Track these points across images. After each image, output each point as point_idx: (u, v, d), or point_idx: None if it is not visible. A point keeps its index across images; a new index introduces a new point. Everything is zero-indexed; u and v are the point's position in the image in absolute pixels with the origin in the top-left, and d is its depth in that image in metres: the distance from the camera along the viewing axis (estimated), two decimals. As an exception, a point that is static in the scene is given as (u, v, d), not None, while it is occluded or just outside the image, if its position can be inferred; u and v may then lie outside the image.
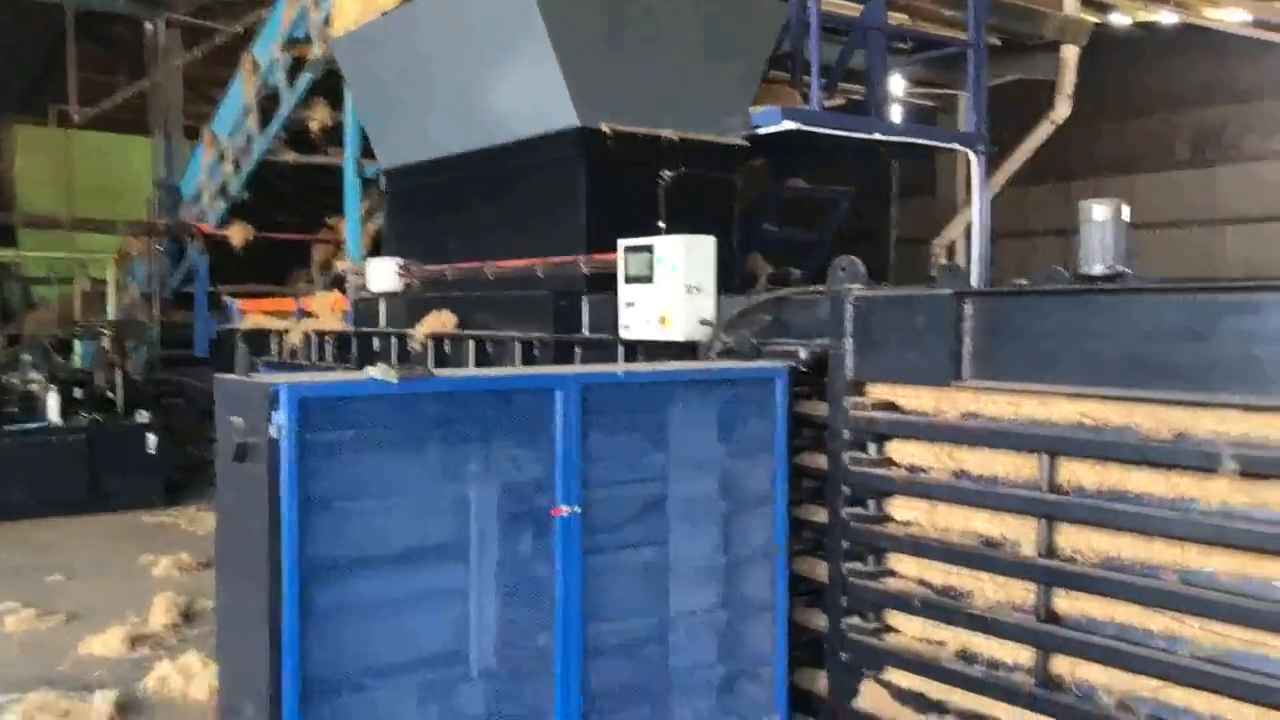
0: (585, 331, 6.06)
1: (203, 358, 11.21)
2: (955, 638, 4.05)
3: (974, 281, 8.05)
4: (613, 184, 6.30)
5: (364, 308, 8.06)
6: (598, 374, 4.16)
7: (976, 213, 8.85)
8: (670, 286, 5.26)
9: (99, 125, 15.66)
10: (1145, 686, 3.46)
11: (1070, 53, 11.29)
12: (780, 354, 4.71)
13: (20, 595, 7.02)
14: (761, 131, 7.16)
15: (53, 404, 9.97)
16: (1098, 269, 3.94)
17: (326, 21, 8.82)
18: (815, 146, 8.14)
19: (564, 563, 3.89)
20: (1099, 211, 4.02)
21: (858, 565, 4.35)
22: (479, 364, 6.58)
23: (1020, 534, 3.81)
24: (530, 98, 6.43)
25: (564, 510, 3.87)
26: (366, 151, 8.94)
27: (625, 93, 6.32)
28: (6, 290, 13.29)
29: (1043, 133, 11.70)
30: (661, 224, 6.15)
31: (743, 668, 4.49)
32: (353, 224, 9.27)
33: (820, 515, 4.54)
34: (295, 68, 9.89)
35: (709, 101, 6.77)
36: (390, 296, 7.74)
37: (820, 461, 4.53)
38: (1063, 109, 11.37)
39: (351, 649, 3.50)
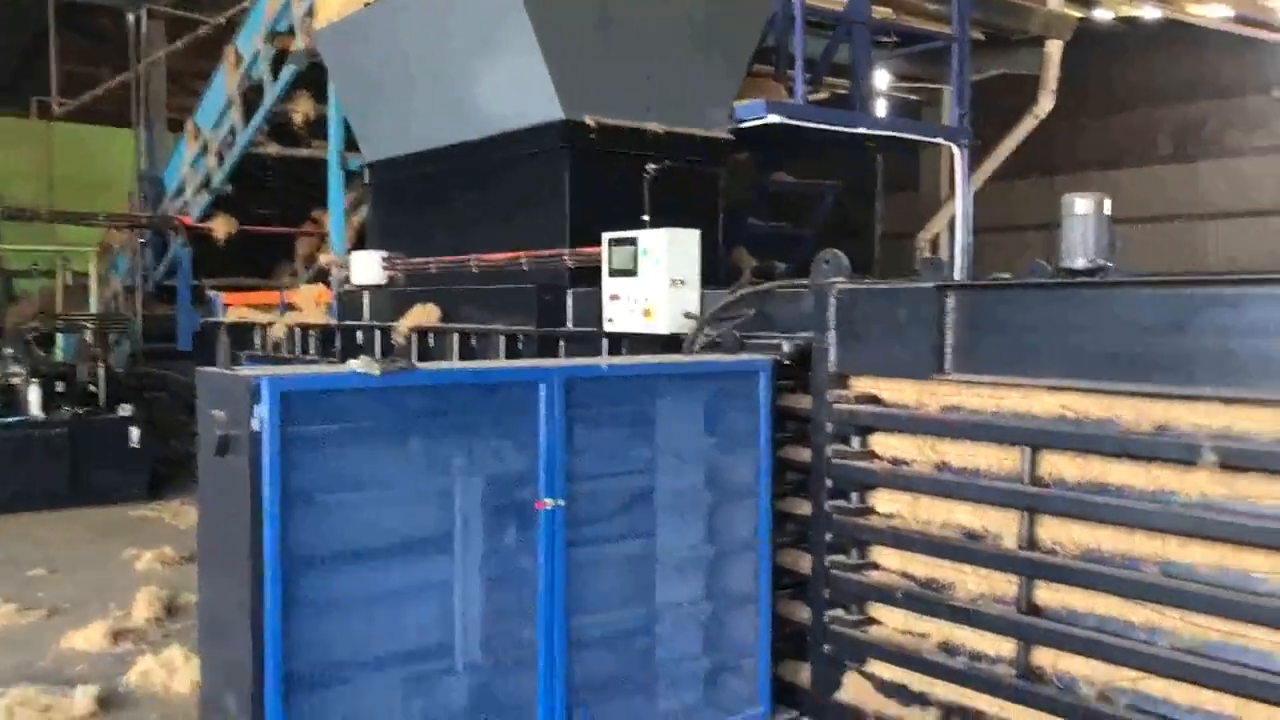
0: (569, 325, 6.06)
1: (186, 351, 11.16)
2: (938, 630, 4.06)
3: (957, 275, 8.08)
4: (597, 177, 6.29)
5: (348, 301, 8.03)
6: (581, 367, 4.16)
7: (959, 207, 8.88)
8: (654, 280, 5.26)
9: (81, 117, 15.57)
10: (1125, 677, 3.48)
11: (1054, 47, 11.34)
12: (764, 347, 4.72)
13: (1, 590, 6.98)
14: (746, 125, 7.16)
15: (34, 398, 9.90)
16: (1080, 263, 3.95)
17: (309, 13, 8.78)
18: (800, 140, 8.16)
19: (548, 556, 3.89)
20: (1081, 205, 4.03)
21: (841, 558, 4.36)
22: (463, 357, 6.57)
23: (1002, 526, 3.83)
24: (514, 90, 6.41)
25: (548, 503, 3.87)
26: (350, 144, 8.90)
27: (610, 86, 6.31)
28: (-12, 283, 13.19)
29: (1026, 127, 11.74)
30: (646, 217, 6.15)
31: (726, 660, 4.51)
32: (336, 217, 9.24)
33: (804, 508, 4.55)
34: (279, 60, 9.84)
35: (694, 95, 6.77)
36: (374, 290, 7.72)
37: (804, 454, 4.54)
38: (1046, 103, 11.42)
39: (335, 642, 3.50)
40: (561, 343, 6.00)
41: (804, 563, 4.54)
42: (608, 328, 5.56)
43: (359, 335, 7.70)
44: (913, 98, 14.10)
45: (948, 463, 4.02)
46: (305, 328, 8.58)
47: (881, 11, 10.01)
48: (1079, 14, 11.87)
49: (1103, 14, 12.78)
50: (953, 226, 9.44)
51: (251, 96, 10.49)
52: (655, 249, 5.29)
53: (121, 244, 12.87)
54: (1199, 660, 3.26)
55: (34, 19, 15.31)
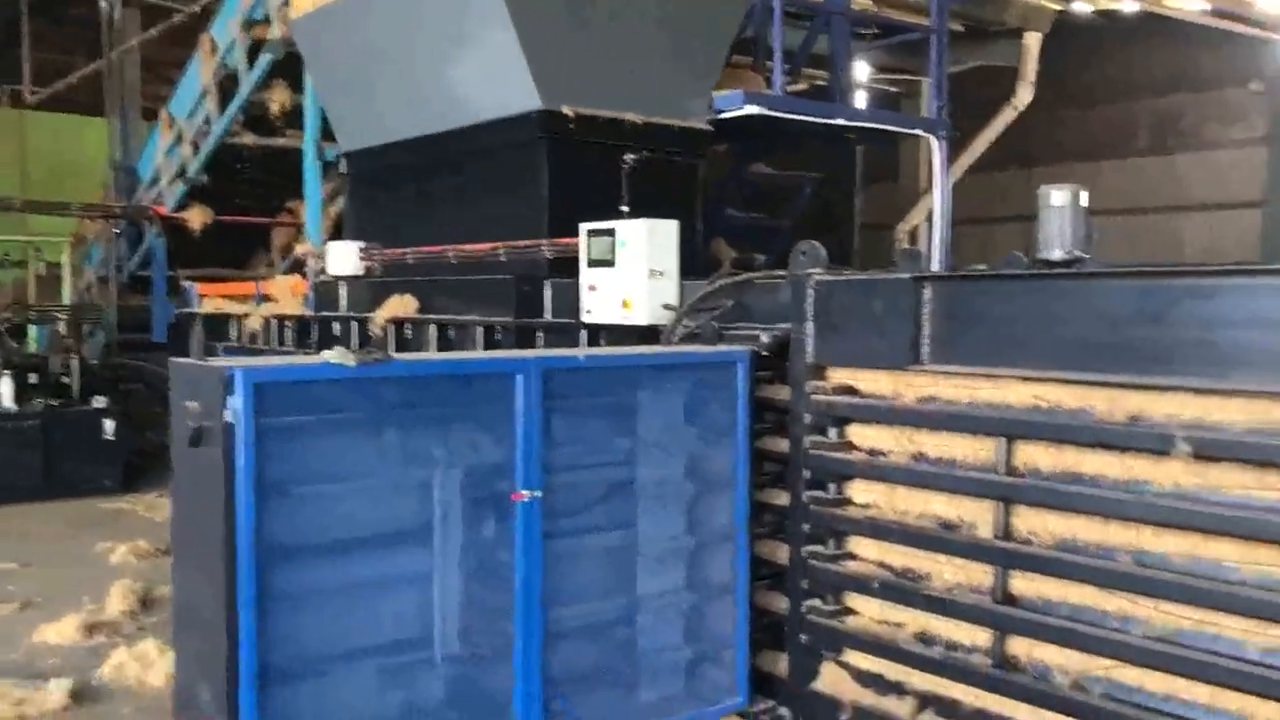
0: (548, 316, 6.04)
1: (161, 343, 11.07)
2: (914, 619, 4.08)
3: (935, 266, 8.10)
4: (575, 167, 6.28)
5: (324, 292, 7.99)
6: (559, 358, 4.15)
7: (938, 198, 8.91)
8: (633, 271, 5.25)
9: (54, 106, 15.40)
10: (1099, 666, 3.50)
11: (1032, 39, 11.39)
12: (742, 338, 4.72)
13: (-27, 583, 6.92)
14: (725, 116, 7.16)
15: (6, 389, 9.81)
16: (1056, 254, 3.96)
17: (286, 2, 8.70)
18: (779, 132, 8.16)
19: (525, 547, 3.88)
20: (1058, 197, 4.04)
21: (818, 548, 4.37)
22: (441, 348, 6.54)
23: (977, 516, 3.84)
24: (492, 80, 6.38)
25: (525, 495, 3.86)
26: (327, 134, 8.85)
27: (588, 75, 6.29)
28: (-41, 274, 13.06)
29: (1005, 119, 11.80)
30: (624, 208, 6.13)
31: (705, 651, 4.51)
32: (313, 207, 9.19)
33: (782, 499, 4.55)
34: (254, 49, 9.76)
35: (672, 85, 6.76)
36: (351, 280, 7.67)
37: (782, 445, 4.54)
38: (1024, 95, 11.47)
39: (310, 635, 3.48)
40: (540, 334, 5.98)
41: (782, 553, 4.55)
42: (586, 319, 5.54)
43: (335, 326, 7.66)
44: (892, 89, 14.13)
45: (924, 453, 4.02)
46: (281, 319, 8.52)
47: (860, 3, 10.01)
48: (1057, 6, 11.92)
49: (1081, 6, 12.84)
50: (931, 218, 9.47)
51: (227, 85, 10.40)
52: (634, 240, 5.28)
53: (95, 234, 12.74)
54: (1172, 649, 3.29)
55: (6, 6, 15.14)
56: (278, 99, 10.14)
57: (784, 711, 4.55)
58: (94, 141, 14.37)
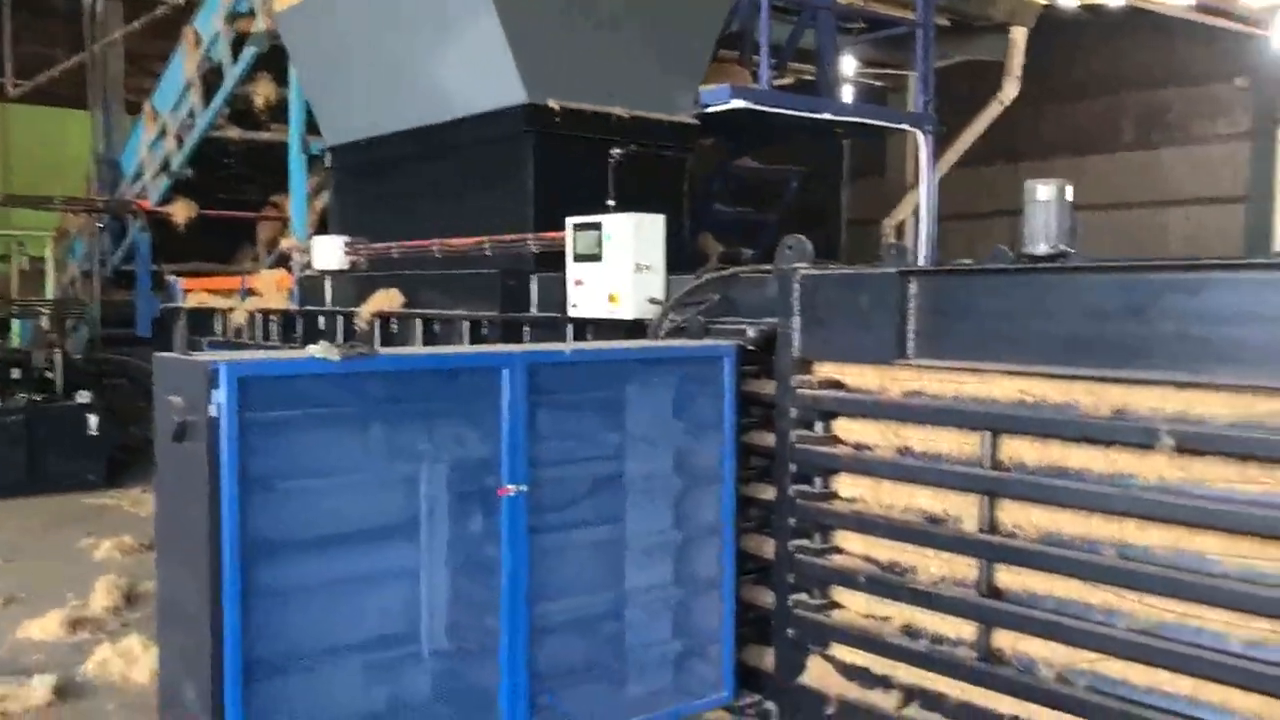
0: (534, 310, 6.03)
1: (145, 337, 11.01)
2: (900, 613, 4.08)
3: (920, 261, 8.12)
4: (561, 161, 6.26)
5: (310, 286, 7.95)
6: (544, 352, 4.13)
7: (924, 192, 8.93)
8: (619, 265, 5.24)
9: (36, 99, 15.27)
10: (1084, 659, 3.51)
11: (1019, 34, 11.41)
12: (729, 333, 4.71)
13: (-44, 579, 6.88)
14: (711, 110, 7.16)
15: (-11, 385, 9.75)
16: (1041, 248, 3.96)
17: (270, -6, 8.65)
18: (766, 126, 8.17)
19: (510, 542, 3.87)
20: (1043, 191, 4.04)
21: (804, 542, 4.37)
22: (426, 343, 6.52)
23: (963, 510, 3.85)
24: (478, 73, 6.36)
25: (510, 489, 3.85)
26: (312, 128, 8.81)
27: (574, 69, 6.27)
28: (-59, 269, 12.95)
29: (991, 113, 11.83)
30: (610, 202, 6.12)
31: (691, 645, 4.51)
32: (298, 201, 9.15)
33: (768, 493, 4.55)
34: (238, 42, 9.70)
35: (659, 79, 6.74)
36: (336, 275, 7.64)
37: (768, 439, 4.54)
38: (1010, 90, 11.50)
39: (295, 630, 3.47)
40: (526, 328, 5.97)
41: (768, 547, 4.55)
42: (572, 313, 5.53)
43: (321, 321, 7.63)
44: (878, 84, 14.15)
45: (910, 447, 4.03)
46: (266, 313, 8.49)
47: (847, -3, 10.02)
48: (1043, 1, 11.95)
49: (1067, 1, 12.87)
50: (918, 213, 9.49)
51: (211, 79, 10.34)
52: (620, 234, 5.27)
53: (79, 228, 12.65)
54: (1155, 641, 3.30)
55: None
56: (262, 92, 10.09)
57: (770, 705, 4.56)
58: (77, 135, 14.25)
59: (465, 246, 6.61)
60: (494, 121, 6.39)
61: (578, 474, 4.16)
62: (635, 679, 4.36)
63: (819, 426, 4.34)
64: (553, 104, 6.18)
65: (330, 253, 7.59)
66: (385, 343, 6.72)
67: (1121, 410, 3.36)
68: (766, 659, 4.57)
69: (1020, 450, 3.67)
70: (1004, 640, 3.75)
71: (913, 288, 4.00)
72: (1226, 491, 3.15)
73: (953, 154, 12.39)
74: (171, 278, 10.43)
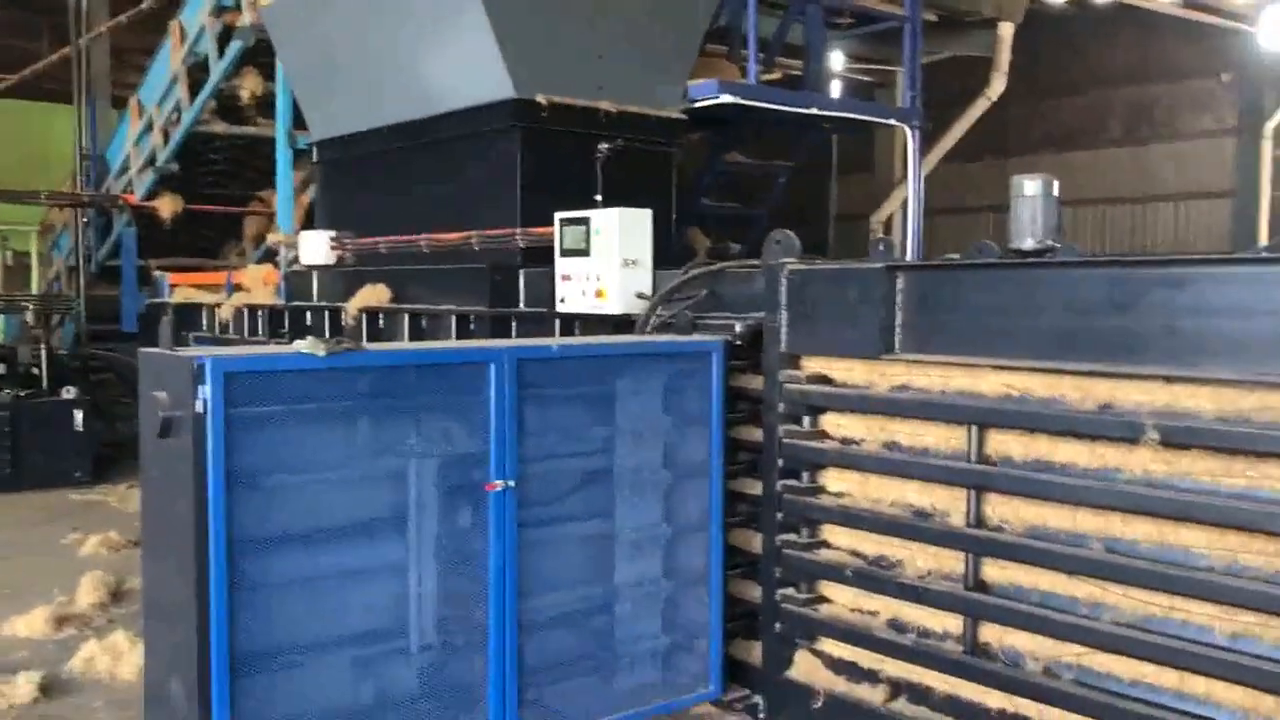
0: (522, 305, 6.02)
1: (131, 333, 10.96)
2: (887, 607, 4.10)
3: (908, 256, 8.13)
4: (549, 156, 6.25)
5: (296, 281, 7.93)
6: (531, 347, 4.13)
7: (911, 188, 8.94)
8: (606, 260, 5.24)
9: (21, 93, 15.16)
10: (1069, 652, 3.53)
11: (1006, 30, 11.43)
12: (717, 328, 4.72)
13: (-59, 576, 6.84)
14: (699, 104, 7.15)
15: (-26, 380, 9.70)
16: (1028, 243, 3.98)
17: (256, -12, 8.61)
18: (754, 121, 8.16)
19: (498, 537, 3.87)
20: (1030, 187, 4.05)
21: (791, 536, 4.38)
22: (414, 338, 6.51)
23: (950, 504, 3.86)
24: (465, 68, 6.34)
25: (498, 485, 3.85)
26: (299, 122, 8.77)
27: (561, 64, 6.26)
28: (-75, 263, 12.88)
29: (979, 109, 11.85)
30: (598, 197, 6.12)
31: (679, 640, 4.51)
32: (284, 196, 9.11)
33: (755, 488, 4.56)
34: (225, 36, 9.65)
35: (646, 74, 6.74)
36: (323, 270, 7.62)
37: (755, 434, 4.55)
38: (998, 85, 11.53)
39: (282, 625, 3.46)
40: (513, 323, 5.96)
41: (755, 542, 4.56)
42: (560, 308, 5.53)
43: (308, 316, 7.61)
44: (866, 79, 14.16)
45: (897, 442, 4.04)
46: (253, 308, 8.46)
47: (835, -8, 10.02)
48: (1031, -3, 11.98)
49: (1054, -3, 12.91)
50: (906, 208, 9.50)
51: (197, 73, 10.28)
52: (607, 229, 5.27)
53: (64, 223, 12.58)
54: (1141, 635, 3.32)
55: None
56: (248, 87, 10.04)
57: (758, 699, 4.57)
58: (62, 129, 14.16)
59: (453, 241, 6.60)
60: (481, 116, 6.37)
61: (565, 469, 4.16)
62: (623, 673, 4.36)
63: (806, 421, 4.34)
64: (540, 99, 6.17)
65: (317, 248, 7.56)
66: (372, 338, 6.71)
67: (1107, 405, 3.37)
68: (754, 653, 4.58)
69: (1007, 445, 3.68)
70: (990, 634, 3.77)
71: (900, 283, 4.00)
72: (1211, 485, 3.17)
73: (940, 149, 12.42)
74: (157, 273, 10.39)
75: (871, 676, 4.13)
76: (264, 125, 10.09)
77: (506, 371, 3.84)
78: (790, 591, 4.39)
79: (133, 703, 4.81)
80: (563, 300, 5.49)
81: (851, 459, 4.20)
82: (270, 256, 9.60)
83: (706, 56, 7.72)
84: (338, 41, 7.39)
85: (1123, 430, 3.31)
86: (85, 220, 12.02)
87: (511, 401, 3.86)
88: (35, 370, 10.29)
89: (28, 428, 9.68)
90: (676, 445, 4.46)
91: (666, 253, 5.72)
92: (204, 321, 9.14)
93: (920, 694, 3.97)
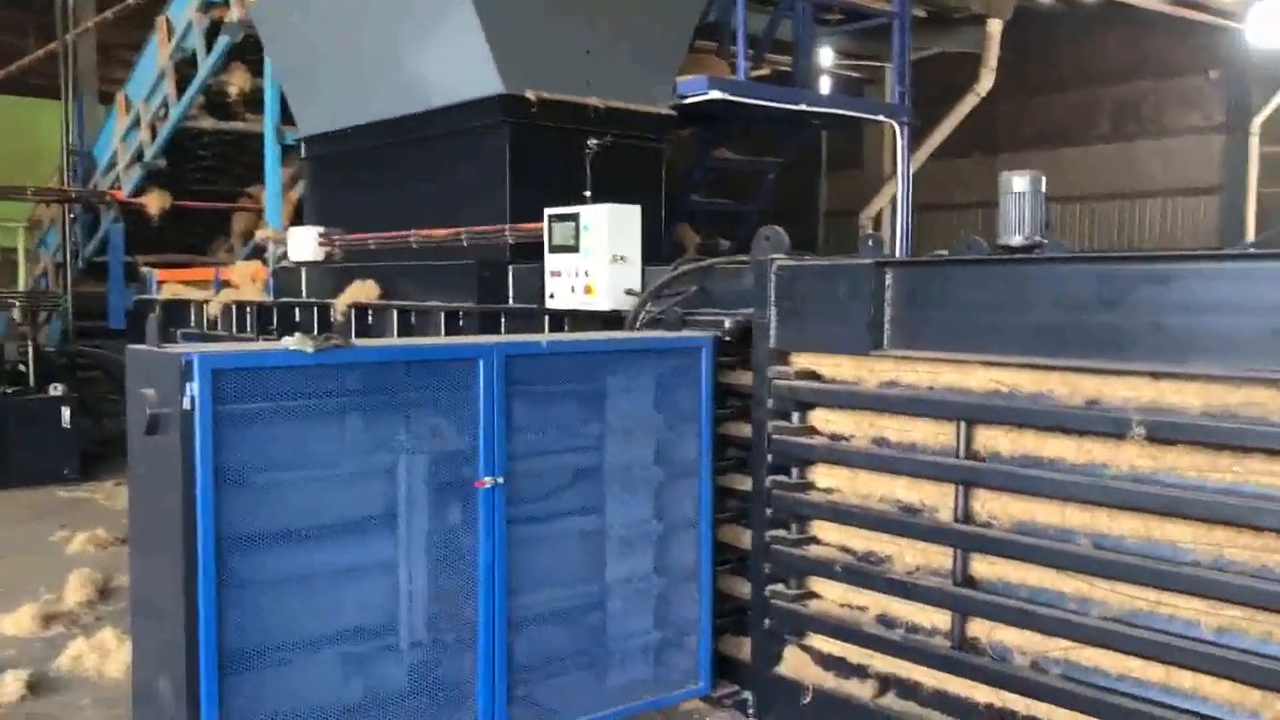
0: (511, 301, 6.01)
1: (119, 330, 10.91)
2: (876, 603, 4.11)
3: (897, 252, 8.15)
4: (538, 152, 6.24)
5: (285, 278, 7.90)
6: (521, 343, 4.12)
7: (900, 184, 8.95)
8: (596, 256, 5.23)
9: (7, 89, 15.08)
10: (1057, 647, 3.54)
11: (995, 26, 11.46)
12: (706, 324, 4.72)
13: (-73, 574, 6.81)
14: (688, 101, 7.15)
15: (-40, 377, 9.64)
16: (1016, 240, 3.99)
17: (244, -17, 8.58)
18: (743, 117, 8.16)
19: (487, 534, 3.87)
20: (1018, 183, 4.07)
21: (781, 533, 4.39)
22: (403, 334, 6.50)
23: (938, 500, 3.87)
24: (454, 64, 6.33)
25: (487, 481, 3.85)
26: (287, 118, 8.74)
27: (551, 60, 6.25)
28: (-90, 260, 12.80)
29: (968, 105, 11.88)
30: (587, 193, 6.11)
31: (668, 636, 4.52)
32: (273, 192, 9.07)
33: (745, 484, 4.57)
34: (213, 31, 9.61)
35: (636, 70, 6.73)
36: (312, 266, 7.60)
37: (745, 430, 4.55)
38: (987, 82, 11.56)
39: (270, 623, 3.45)
40: (503, 319, 5.96)
41: (744, 538, 4.57)
42: (549, 304, 5.52)
43: (297, 312, 7.59)
44: (855, 75, 14.18)
45: (886, 438, 4.05)
46: (241, 305, 8.43)
47: (824, -12, 10.03)
48: (1019, -7, 12.01)
49: (1042, -6, 12.95)
50: (895, 204, 9.52)
51: (185, 69, 10.23)
52: (596, 225, 5.26)
53: (51, 219, 12.51)
54: (1128, 629, 3.33)
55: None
56: (236, 82, 10.00)
57: (747, 695, 4.58)
58: (49, 125, 14.09)
59: (442, 237, 6.58)
60: (470, 112, 6.36)
61: (554, 465, 4.16)
62: (613, 670, 4.36)
63: (795, 417, 4.35)
64: (529, 94, 6.16)
65: (305, 244, 7.54)
66: (361, 334, 6.69)
67: (1095, 400, 3.39)
68: (743, 649, 4.59)
69: (995, 440, 3.69)
70: (979, 629, 3.78)
71: (889, 279, 4.01)
72: (1198, 481, 3.18)
73: (929, 146, 12.45)
74: (145, 269, 10.34)
75: (860, 672, 4.15)
76: (252, 121, 10.05)
77: (495, 368, 3.84)
78: (779, 587, 4.40)
79: (120, 700, 4.80)
80: (552, 296, 5.49)
81: (840, 455, 4.21)
82: (259, 253, 9.57)
83: (696, 52, 7.72)
84: (325, 37, 7.37)
85: (1110, 426, 3.33)
86: (72, 216, 11.94)
87: (500, 398, 3.85)
88: (22, 367, 10.24)
89: (15, 425, 9.64)
90: (666, 441, 4.46)
91: (656, 249, 5.72)
92: (192, 318, 9.11)
93: (909, 689, 3.98)
